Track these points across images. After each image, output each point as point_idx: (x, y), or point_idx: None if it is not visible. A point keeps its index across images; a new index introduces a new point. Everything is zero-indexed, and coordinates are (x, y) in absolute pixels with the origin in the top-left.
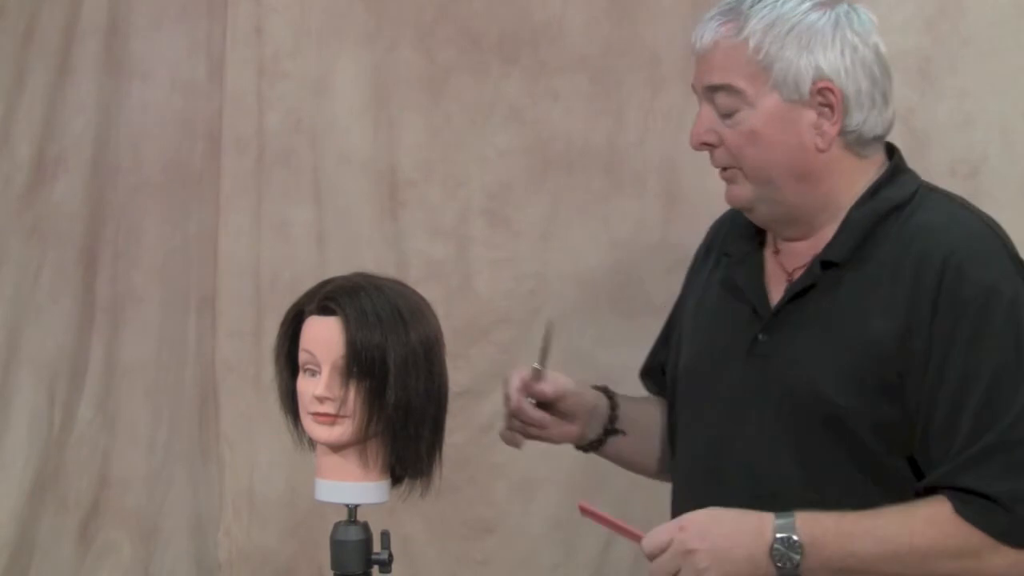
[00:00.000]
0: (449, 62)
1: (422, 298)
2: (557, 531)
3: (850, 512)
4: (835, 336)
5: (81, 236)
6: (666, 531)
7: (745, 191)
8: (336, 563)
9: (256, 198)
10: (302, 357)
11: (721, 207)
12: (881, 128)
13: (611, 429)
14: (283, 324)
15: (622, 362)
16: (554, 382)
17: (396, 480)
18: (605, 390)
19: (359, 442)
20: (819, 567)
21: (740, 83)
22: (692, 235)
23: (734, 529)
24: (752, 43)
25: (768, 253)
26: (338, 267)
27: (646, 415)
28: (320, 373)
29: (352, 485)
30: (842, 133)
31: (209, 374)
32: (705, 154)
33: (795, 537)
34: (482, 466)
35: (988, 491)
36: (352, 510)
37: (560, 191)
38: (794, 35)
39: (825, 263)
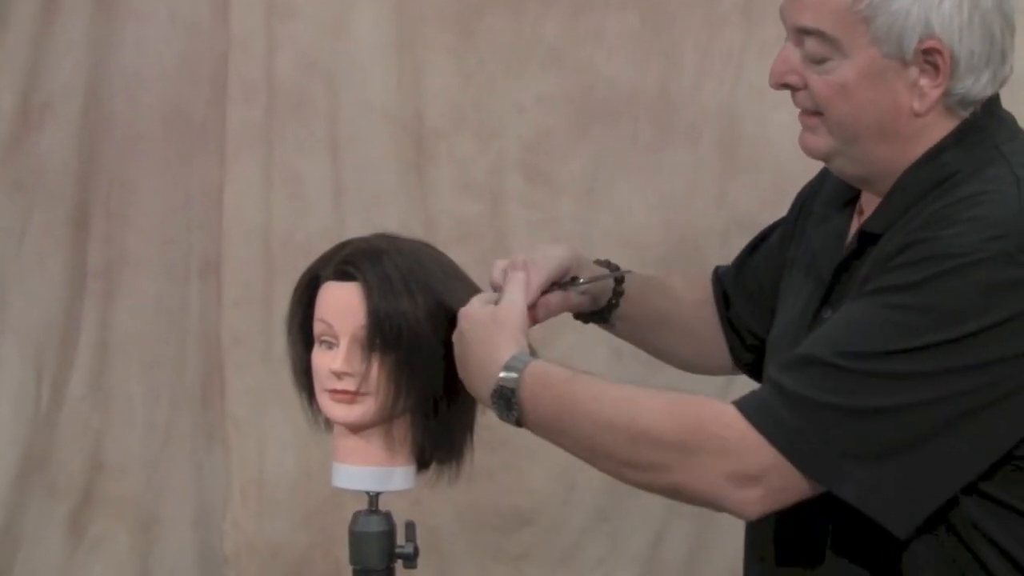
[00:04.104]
0: None
1: (452, 262)
2: (602, 522)
3: (596, 374)
4: None
5: (71, 193)
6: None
7: (823, 142)
8: (355, 557)
9: (266, 150)
10: (318, 328)
11: (784, 159)
12: (992, 88)
13: (602, 318)
14: (296, 291)
15: None
16: (563, 301)
17: (422, 465)
18: (617, 277)
19: (382, 422)
20: (535, 425)
21: (835, 31)
22: (752, 191)
23: (478, 351)
24: None
25: (855, 213)
26: (357, 227)
27: (658, 309)
28: (338, 346)
29: (373, 470)
30: (945, 95)
31: (213, 347)
32: (768, 101)
33: (512, 391)
34: (518, 450)
35: (783, 383)
36: (373, 498)
37: (605, 143)
38: None
39: (865, 234)
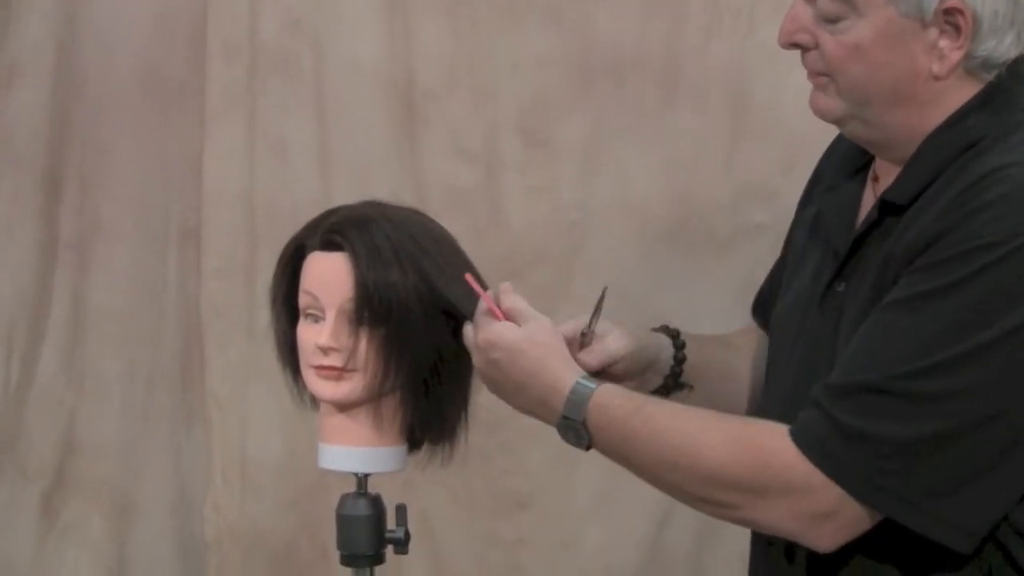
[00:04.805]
0: None
1: (444, 231)
2: (603, 506)
3: (660, 403)
4: (868, 292)
5: (41, 159)
6: (481, 335)
7: (835, 105)
8: (343, 542)
9: (248, 113)
10: (303, 300)
11: (797, 124)
12: (1017, 50)
13: (673, 384)
14: (280, 261)
15: (680, 307)
16: (601, 352)
17: (413, 445)
18: (673, 335)
19: (370, 400)
20: (604, 453)
21: None
22: (763, 157)
23: (534, 380)
24: None
25: (869, 179)
26: (345, 194)
27: (723, 360)
28: (324, 319)
29: (362, 451)
30: (967, 57)
31: (193, 321)
32: (781, 62)
33: (581, 423)
34: (516, 430)
35: (837, 416)
36: (362, 480)
37: (607, 106)
38: None
39: (886, 204)
